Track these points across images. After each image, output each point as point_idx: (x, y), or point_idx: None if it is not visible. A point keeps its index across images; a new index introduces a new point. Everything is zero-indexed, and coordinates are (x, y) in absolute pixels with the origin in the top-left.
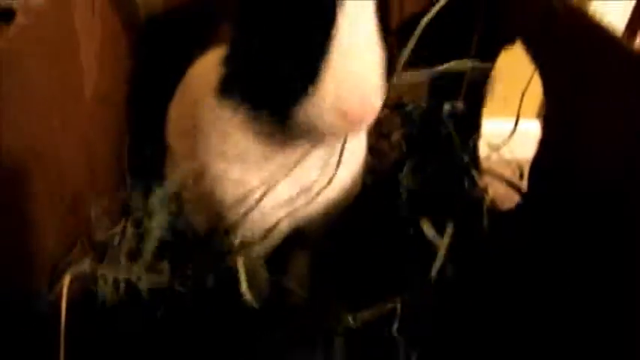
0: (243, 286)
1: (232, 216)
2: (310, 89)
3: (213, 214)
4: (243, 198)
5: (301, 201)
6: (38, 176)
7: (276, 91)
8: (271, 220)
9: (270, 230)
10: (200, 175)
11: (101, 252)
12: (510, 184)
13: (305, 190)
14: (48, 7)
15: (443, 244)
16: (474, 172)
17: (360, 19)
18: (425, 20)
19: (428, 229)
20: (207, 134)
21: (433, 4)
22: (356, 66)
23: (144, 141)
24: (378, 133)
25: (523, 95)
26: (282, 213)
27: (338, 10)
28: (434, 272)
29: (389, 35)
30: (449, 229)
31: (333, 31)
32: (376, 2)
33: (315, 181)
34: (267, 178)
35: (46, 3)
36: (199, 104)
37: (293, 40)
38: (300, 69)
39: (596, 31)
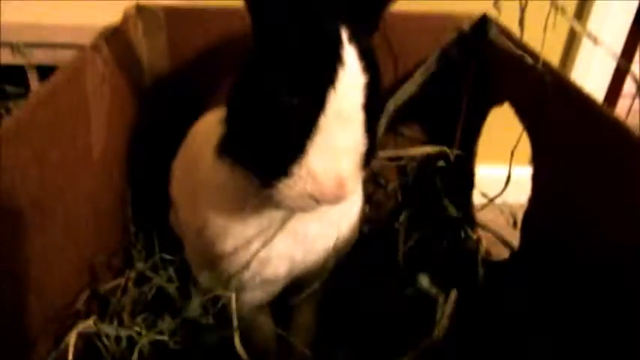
0: (237, 341)
1: (233, 268)
2: (288, 171)
3: (214, 266)
4: (243, 250)
5: (300, 251)
6: (45, 231)
7: (260, 164)
8: (270, 271)
9: (269, 280)
10: (202, 228)
11: (104, 304)
12: (503, 241)
13: (303, 241)
14: (62, 77)
15: (447, 308)
16: (468, 227)
17: (342, 117)
18: (392, 104)
19: (427, 285)
20: (207, 190)
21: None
22: (331, 160)
23: (147, 195)
24: (375, 183)
25: (512, 154)
26: (281, 263)
27: (321, 108)
28: (437, 332)
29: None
30: (452, 295)
31: (315, 128)
32: (369, 86)
33: (312, 232)
34: (265, 231)
35: (60, 73)
36: (201, 161)
37: (277, 129)
38: (281, 153)
39: (579, 98)
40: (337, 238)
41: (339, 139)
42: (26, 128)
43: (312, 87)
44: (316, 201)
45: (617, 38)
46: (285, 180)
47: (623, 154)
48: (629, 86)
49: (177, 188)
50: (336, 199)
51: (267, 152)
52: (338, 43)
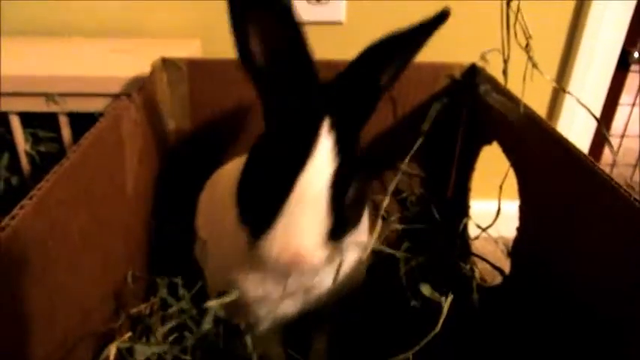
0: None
1: (251, 308)
2: (264, 235)
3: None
4: (260, 291)
5: (311, 294)
6: (89, 257)
7: (250, 224)
8: (283, 311)
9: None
10: (225, 269)
11: (134, 324)
12: (495, 267)
13: (313, 286)
14: (105, 124)
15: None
16: (463, 256)
17: (304, 202)
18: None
19: (429, 293)
20: (234, 240)
21: None
22: (291, 236)
23: (172, 227)
24: (378, 216)
25: (501, 188)
26: (293, 306)
27: (289, 192)
28: (438, 327)
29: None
30: (450, 296)
31: (286, 201)
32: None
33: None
34: (281, 282)
35: (103, 120)
36: (227, 213)
37: (265, 195)
38: (262, 219)
39: (554, 137)
40: (345, 275)
41: (300, 220)
42: (78, 168)
43: (285, 172)
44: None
45: (601, 84)
46: (261, 243)
47: (591, 186)
48: (617, 125)
49: (203, 224)
50: (294, 269)
51: (255, 216)
52: (315, 133)
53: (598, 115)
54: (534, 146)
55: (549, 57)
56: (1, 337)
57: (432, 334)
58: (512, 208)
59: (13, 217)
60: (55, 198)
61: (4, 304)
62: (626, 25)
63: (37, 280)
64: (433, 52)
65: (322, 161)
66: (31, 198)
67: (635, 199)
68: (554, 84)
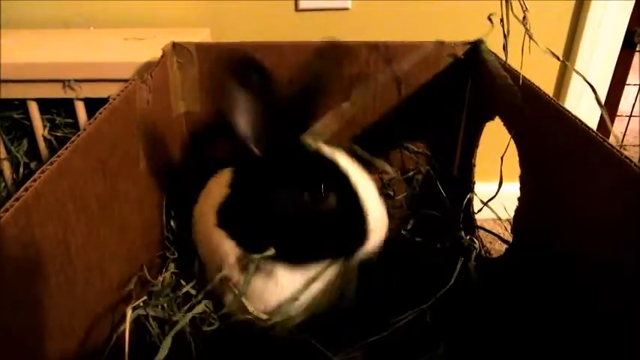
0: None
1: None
2: None
3: None
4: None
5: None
6: (107, 225)
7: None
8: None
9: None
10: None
11: (149, 297)
12: (497, 237)
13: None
14: (119, 101)
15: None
16: (468, 229)
17: None
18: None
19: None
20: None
21: None
22: None
23: (180, 203)
24: (384, 194)
25: (502, 160)
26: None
27: None
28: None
29: None
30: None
31: None
32: None
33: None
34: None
35: (117, 98)
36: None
37: None
38: None
39: (552, 108)
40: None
41: None
42: (93, 140)
43: None
44: None
45: (607, 64)
46: None
47: (587, 154)
48: (624, 107)
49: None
50: None
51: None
52: None
53: (604, 95)
54: (533, 117)
55: (555, 38)
56: (23, 298)
57: (447, 287)
58: (515, 189)
59: (34, 180)
60: (73, 165)
61: (28, 264)
62: (631, 3)
63: (58, 242)
64: (436, 31)
65: None
66: (51, 164)
67: (635, 165)
68: (550, 54)
